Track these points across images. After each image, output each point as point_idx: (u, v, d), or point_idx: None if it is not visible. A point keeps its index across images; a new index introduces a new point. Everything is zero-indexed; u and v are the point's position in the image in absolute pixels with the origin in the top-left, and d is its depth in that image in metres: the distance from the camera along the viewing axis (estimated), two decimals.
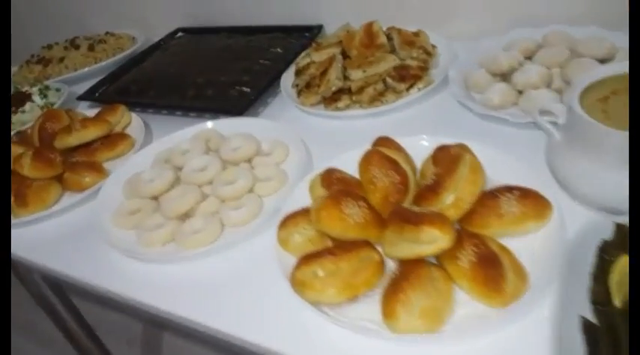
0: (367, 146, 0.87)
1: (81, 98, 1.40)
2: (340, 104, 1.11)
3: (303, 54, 1.32)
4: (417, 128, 1.02)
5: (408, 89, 1.10)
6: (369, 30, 1.17)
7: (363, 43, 1.15)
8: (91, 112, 1.26)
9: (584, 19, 1.12)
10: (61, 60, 1.62)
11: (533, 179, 0.77)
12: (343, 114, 1.11)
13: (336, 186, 0.82)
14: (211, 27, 1.65)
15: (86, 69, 1.57)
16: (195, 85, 1.31)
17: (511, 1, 1.22)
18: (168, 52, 1.57)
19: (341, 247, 0.70)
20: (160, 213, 0.92)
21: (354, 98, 1.11)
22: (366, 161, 0.80)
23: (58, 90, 1.47)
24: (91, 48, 1.66)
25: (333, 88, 1.13)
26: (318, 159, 1.00)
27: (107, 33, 1.78)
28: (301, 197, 0.86)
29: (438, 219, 0.65)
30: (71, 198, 1.04)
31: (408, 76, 1.11)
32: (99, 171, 1.08)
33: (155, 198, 0.97)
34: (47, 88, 1.45)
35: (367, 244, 0.71)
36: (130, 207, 0.96)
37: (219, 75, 1.33)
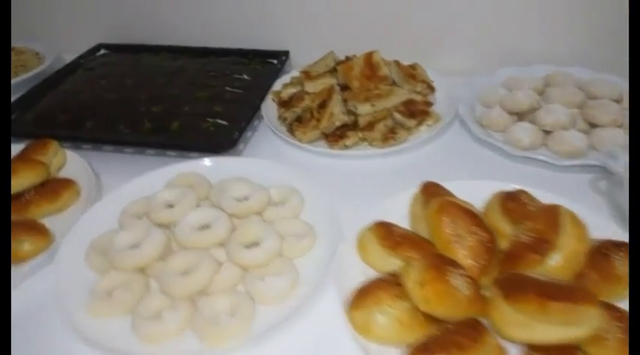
0: (389, 191, 0.81)
1: None
2: (348, 142, 0.97)
3: (279, 82, 1.15)
4: (435, 170, 0.92)
5: (416, 126, 1.00)
6: (369, 60, 1.05)
7: (365, 74, 1.03)
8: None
9: (568, 60, 1.14)
10: None
11: (609, 228, 0.71)
12: (351, 153, 0.97)
13: (407, 247, 0.68)
14: (144, 44, 1.39)
15: None
16: (151, 115, 1.06)
17: (496, 39, 1.20)
18: (95, 72, 1.27)
19: (460, 333, 0.55)
20: (162, 292, 0.68)
21: (361, 135, 0.98)
22: (441, 214, 0.67)
23: None
24: None
25: (337, 123, 0.98)
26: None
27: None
28: (349, 260, 0.70)
29: (589, 294, 0.54)
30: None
31: (417, 112, 1.01)
32: (41, 232, 0.78)
33: (142, 269, 0.72)
34: None
35: (481, 325, 0.58)
36: (107, 285, 0.70)
37: (179, 103, 1.09)
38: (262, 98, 1.10)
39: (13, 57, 1.32)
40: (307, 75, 1.08)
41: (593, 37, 1.14)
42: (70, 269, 0.73)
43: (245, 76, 1.21)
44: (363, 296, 0.62)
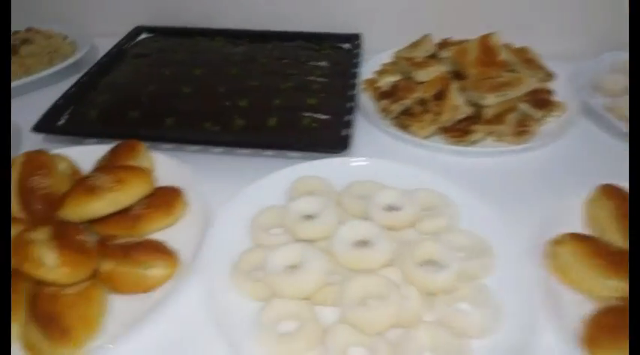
0: (533, 193, 0.77)
1: (41, 129, 0.87)
2: (475, 137, 0.86)
3: (365, 69, 1.03)
4: (575, 167, 0.84)
5: (543, 117, 0.91)
6: (485, 44, 0.93)
7: (482, 60, 0.92)
8: (70, 152, 0.78)
9: None
10: None
11: None
12: (479, 150, 0.86)
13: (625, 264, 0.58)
14: (193, 28, 1.22)
15: (14, 82, 1.01)
16: (239, 110, 0.91)
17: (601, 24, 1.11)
18: (148, 60, 1.10)
19: None
20: (345, 324, 0.56)
21: (489, 129, 0.87)
22: None
23: None
24: (13, 50, 1.09)
25: (461, 116, 0.87)
26: None
27: (29, 29, 1.20)
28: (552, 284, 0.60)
29: None
30: (124, 306, 0.59)
31: (543, 102, 0.91)
32: (169, 254, 0.64)
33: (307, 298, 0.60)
34: None
35: None
36: (273, 316, 0.57)
37: (267, 96, 0.95)
38: (352, 88, 0.97)
39: (42, 41, 1.13)
40: (412, 61, 0.95)
41: None
42: (220, 296, 0.60)
43: (323, 63, 1.08)
44: (609, 334, 0.52)
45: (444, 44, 1.02)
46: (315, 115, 0.90)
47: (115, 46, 1.14)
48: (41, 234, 0.60)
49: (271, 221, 0.70)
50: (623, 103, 0.90)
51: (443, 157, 0.87)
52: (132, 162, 0.74)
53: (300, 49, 1.14)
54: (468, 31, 1.00)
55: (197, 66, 1.05)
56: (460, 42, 1.01)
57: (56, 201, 0.65)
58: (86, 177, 0.69)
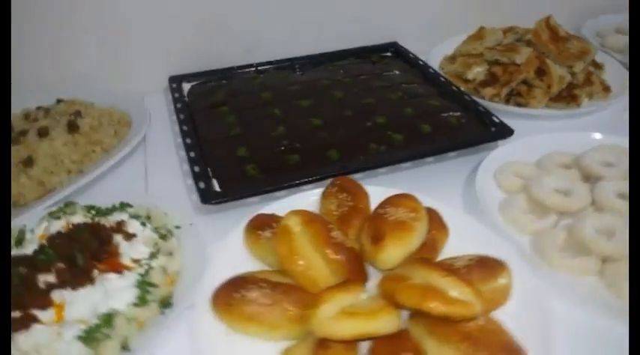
0: None
1: (213, 198, 0.73)
2: (581, 99, 1.01)
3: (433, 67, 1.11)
4: None
5: None
6: (548, 24, 1.09)
7: (553, 38, 1.07)
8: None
9: None
10: (28, 163, 0.79)
11: None
12: (583, 110, 1.01)
13: None
14: (233, 66, 1.14)
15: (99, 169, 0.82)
16: (384, 127, 0.91)
17: None
18: (229, 107, 0.98)
19: None
20: None
21: (587, 91, 1.03)
22: None
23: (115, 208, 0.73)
24: (73, 127, 0.87)
25: (565, 84, 1.01)
26: None
27: (60, 100, 0.97)
28: None
29: None
30: None
31: (597, 64, 1.11)
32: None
33: None
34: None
35: None
36: None
37: (393, 109, 0.96)
38: (449, 84, 1.04)
39: (92, 112, 0.93)
40: (499, 49, 1.06)
41: None
42: None
43: (395, 72, 1.12)
44: None
45: (509, 30, 1.14)
46: (451, 114, 0.95)
47: (175, 101, 1.01)
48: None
49: None
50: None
51: (561, 123, 0.99)
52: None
53: (358, 64, 1.16)
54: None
55: (294, 99, 1.00)
56: (512, 28, 1.15)
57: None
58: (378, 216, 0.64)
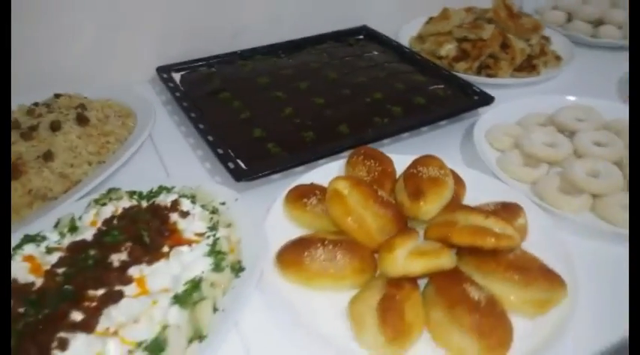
0: None
1: (247, 175, 0.78)
2: (540, 68, 1.15)
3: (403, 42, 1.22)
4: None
5: None
6: (505, 3, 1.22)
7: (510, 15, 1.20)
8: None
9: None
10: (48, 156, 0.78)
11: None
12: (545, 76, 1.16)
13: None
14: (221, 54, 1.17)
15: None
16: (382, 101, 0.99)
17: None
18: (229, 92, 1.01)
19: None
20: None
21: (543, 60, 1.17)
22: None
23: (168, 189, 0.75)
24: (83, 120, 0.86)
25: (525, 56, 1.15)
26: None
27: (58, 95, 0.94)
28: None
29: None
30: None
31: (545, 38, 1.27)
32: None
33: None
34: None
35: None
36: None
37: (383, 86, 1.05)
38: (427, 62, 1.15)
39: (95, 105, 0.93)
40: (466, 27, 1.18)
41: None
42: None
43: (374, 53, 1.21)
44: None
45: (468, 10, 1.26)
46: (438, 87, 1.05)
47: (173, 90, 1.02)
48: None
49: None
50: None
51: (525, 89, 1.13)
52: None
53: (336, 47, 1.23)
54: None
55: (291, 81, 1.06)
56: (471, 8, 1.27)
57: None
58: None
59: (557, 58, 1.19)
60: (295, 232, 0.72)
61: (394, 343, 0.56)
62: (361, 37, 1.30)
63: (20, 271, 0.62)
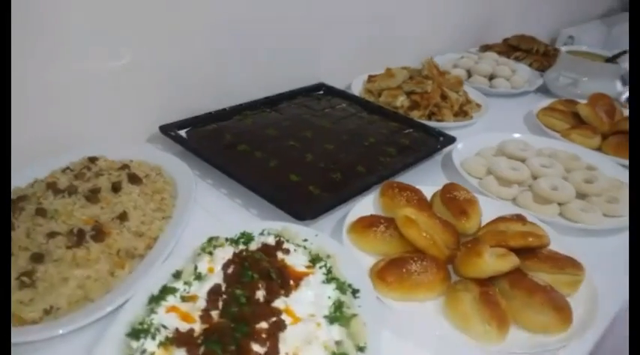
0: None
1: (312, 216, 0.89)
2: (471, 113, 1.47)
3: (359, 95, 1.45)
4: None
5: None
6: (433, 63, 1.52)
7: (439, 73, 1.51)
8: None
9: None
10: (124, 217, 0.77)
11: None
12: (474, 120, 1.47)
13: None
14: (219, 110, 1.25)
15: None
16: (374, 145, 1.19)
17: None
18: (245, 145, 1.10)
19: None
20: None
21: (468, 106, 1.50)
22: None
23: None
24: (135, 180, 0.85)
25: (459, 104, 1.46)
26: None
27: (93, 159, 0.90)
28: None
29: None
30: None
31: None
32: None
33: None
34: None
35: None
36: None
37: (372, 132, 1.25)
38: (390, 113, 1.38)
39: (141, 173, 0.93)
40: (413, 82, 1.44)
41: None
42: None
43: (343, 105, 1.40)
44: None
45: (404, 69, 1.54)
46: (410, 130, 1.28)
47: (188, 147, 1.08)
48: None
49: None
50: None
51: (462, 131, 1.43)
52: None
53: (309, 101, 1.40)
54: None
55: (296, 131, 1.20)
56: (405, 67, 1.56)
57: None
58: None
59: (478, 105, 1.53)
60: (363, 257, 0.86)
61: (501, 329, 0.73)
62: (321, 92, 1.49)
63: (173, 320, 0.65)
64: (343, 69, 1.60)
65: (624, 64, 1.69)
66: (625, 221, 1.04)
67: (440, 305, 0.79)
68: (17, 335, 0.63)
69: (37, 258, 0.71)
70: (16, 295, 0.67)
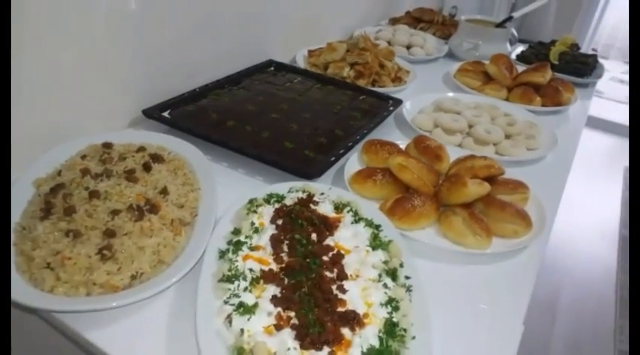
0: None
1: (319, 174, 1.04)
2: (404, 78, 1.69)
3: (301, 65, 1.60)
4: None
5: None
6: (366, 36, 1.71)
7: (373, 44, 1.70)
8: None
9: None
10: (165, 192, 0.84)
11: None
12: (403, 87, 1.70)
13: None
14: (194, 90, 1.32)
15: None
16: (343, 110, 1.36)
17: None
18: (229, 113, 1.21)
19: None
20: None
21: (401, 73, 1.72)
22: None
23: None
24: (158, 159, 0.92)
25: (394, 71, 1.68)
26: None
27: (108, 144, 0.92)
28: None
29: None
30: None
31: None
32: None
33: None
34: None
35: None
36: None
37: (337, 101, 1.41)
38: (342, 83, 1.55)
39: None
40: (354, 54, 1.62)
41: None
42: None
43: (298, 79, 1.54)
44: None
45: (343, 42, 1.70)
46: (362, 97, 1.47)
47: (176, 127, 1.15)
48: None
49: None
50: None
51: (403, 93, 1.65)
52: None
53: (268, 77, 1.51)
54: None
55: (273, 105, 1.32)
56: (342, 41, 1.73)
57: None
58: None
59: (407, 72, 1.75)
60: (367, 201, 1.04)
61: (489, 237, 0.95)
62: (272, 68, 1.61)
63: (253, 265, 0.77)
64: (285, 45, 1.73)
65: (510, 27, 2.04)
66: (542, 152, 1.34)
67: (436, 229, 1.00)
68: (122, 298, 0.71)
69: (110, 233, 0.78)
70: (103, 267, 0.74)
